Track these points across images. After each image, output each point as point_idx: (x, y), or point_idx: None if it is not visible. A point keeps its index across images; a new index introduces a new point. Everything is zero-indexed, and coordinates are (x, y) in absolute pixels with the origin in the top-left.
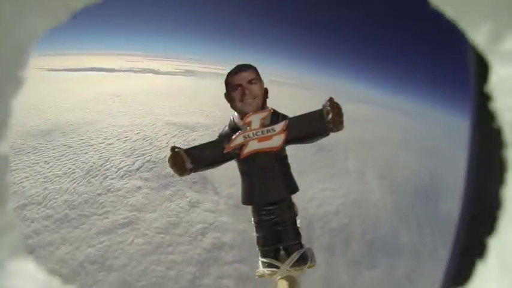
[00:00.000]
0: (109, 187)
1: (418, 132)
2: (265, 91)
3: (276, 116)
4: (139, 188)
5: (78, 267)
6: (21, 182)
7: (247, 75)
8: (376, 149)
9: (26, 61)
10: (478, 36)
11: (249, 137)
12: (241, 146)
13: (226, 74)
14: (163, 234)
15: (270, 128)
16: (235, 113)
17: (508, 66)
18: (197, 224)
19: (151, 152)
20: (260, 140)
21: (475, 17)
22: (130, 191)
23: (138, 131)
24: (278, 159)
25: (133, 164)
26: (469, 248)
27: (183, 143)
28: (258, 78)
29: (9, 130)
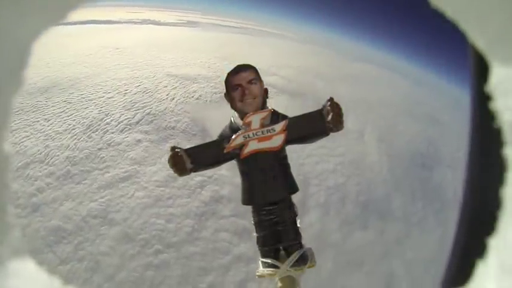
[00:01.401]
0: (109, 141)
1: (422, 99)
2: (265, 91)
3: (276, 116)
4: (139, 141)
5: (82, 222)
6: (22, 142)
7: (247, 75)
8: (378, 111)
9: (26, 61)
10: (478, 36)
11: (249, 137)
12: (242, 146)
13: (227, 74)
14: (162, 187)
15: (270, 128)
16: (235, 113)
17: (508, 66)
18: (196, 176)
19: (152, 104)
20: (260, 140)
21: (475, 18)
22: (130, 145)
23: (138, 84)
24: (278, 159)
25: (134, 117)
26: (469, 248)
27: (184, 95)
28: (257, 78)
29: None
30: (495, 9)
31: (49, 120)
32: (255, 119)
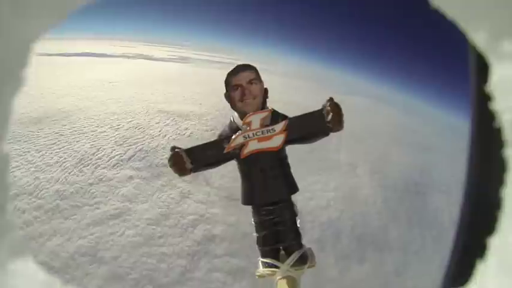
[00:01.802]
0: (100, 177)
1: (412, 127)
2: (265, 91)
3: (276, 116)
4: (131, 177)
5: (69, 260)
6: (12, 172)
7: (247, 75)
8: (369, 143)
9: (26, 61)
10: (478, 36)
11: (249, 137)
12: (241, 146)
13: (227, 74)
14: (154, 225)
15: (270, 128)
16: (235, 113)
17: (507, 65)
18: (188, 215)
19: (144, 140)
20: (260, 140)
21: (475, 17)
22: (121, 181)
23: (130, 119)
24: (278, 159)
25: (125, 153)
26: (469, 248)
27: (176, 132)
28: (258, 78)
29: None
30: (495, 8)
31: (40, 151)
32: (255, 119)
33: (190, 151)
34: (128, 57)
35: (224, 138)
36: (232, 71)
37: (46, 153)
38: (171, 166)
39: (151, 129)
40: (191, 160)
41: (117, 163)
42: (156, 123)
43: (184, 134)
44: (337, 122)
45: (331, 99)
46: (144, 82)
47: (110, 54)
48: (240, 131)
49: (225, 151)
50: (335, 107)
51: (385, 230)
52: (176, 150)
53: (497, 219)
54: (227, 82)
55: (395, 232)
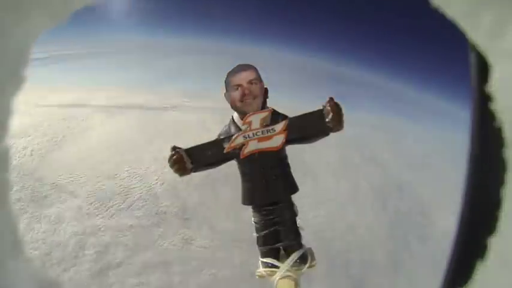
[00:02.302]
0: (99, 226)
1: (409, 148)
2: (266, 91)
3: (276, 116)
4: (131, 226)
5: None
6: None
7: (247, 75)
8: (367, 170)
9: (26, 61)
10: (478, 34)
11: (249, 137)
12: (242, 146)
13: (227, 74)
14: (157, 273)
15: (270, 128)
16: (235, 113)
17: (507, 65)
18: (192, 261)
19: (142, 189)
20: (260, 140)
21: (475, 17)
22: (121, 230)
23: (127, 168)
24: (278, 159)
25: (124, 202)
26: (469, 248)
27: (173, 179)
28: (258, 79)
29: (9, 129)
30: (495, 8)
31: (36, 202)
32: (255, 119)
33: (190, 151)
34: (121, 107)
35: (224, 138)
36: (232, 71)
37: (42, 203)
38: (171, 166)
39: (148, 177)
40: (191, 160)
41: (115, 212)
42: (152, 171)
43: (182, 181)
44: (338, 122)
45: (331, 99)
46: (137, 131)
47: (103, 104)
48: (240, 131)
49: (225, 151)
50: (335, 107)
51: (394, 254)
52: (176, 150)
53: (497, 219)
54: (227, 82)
55: (407, 255)
